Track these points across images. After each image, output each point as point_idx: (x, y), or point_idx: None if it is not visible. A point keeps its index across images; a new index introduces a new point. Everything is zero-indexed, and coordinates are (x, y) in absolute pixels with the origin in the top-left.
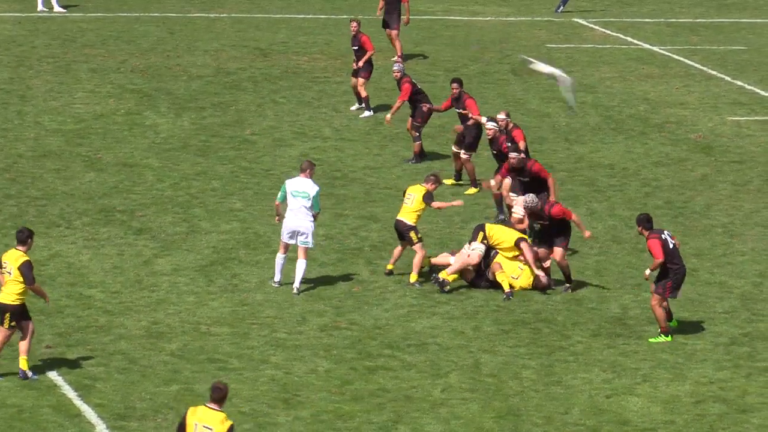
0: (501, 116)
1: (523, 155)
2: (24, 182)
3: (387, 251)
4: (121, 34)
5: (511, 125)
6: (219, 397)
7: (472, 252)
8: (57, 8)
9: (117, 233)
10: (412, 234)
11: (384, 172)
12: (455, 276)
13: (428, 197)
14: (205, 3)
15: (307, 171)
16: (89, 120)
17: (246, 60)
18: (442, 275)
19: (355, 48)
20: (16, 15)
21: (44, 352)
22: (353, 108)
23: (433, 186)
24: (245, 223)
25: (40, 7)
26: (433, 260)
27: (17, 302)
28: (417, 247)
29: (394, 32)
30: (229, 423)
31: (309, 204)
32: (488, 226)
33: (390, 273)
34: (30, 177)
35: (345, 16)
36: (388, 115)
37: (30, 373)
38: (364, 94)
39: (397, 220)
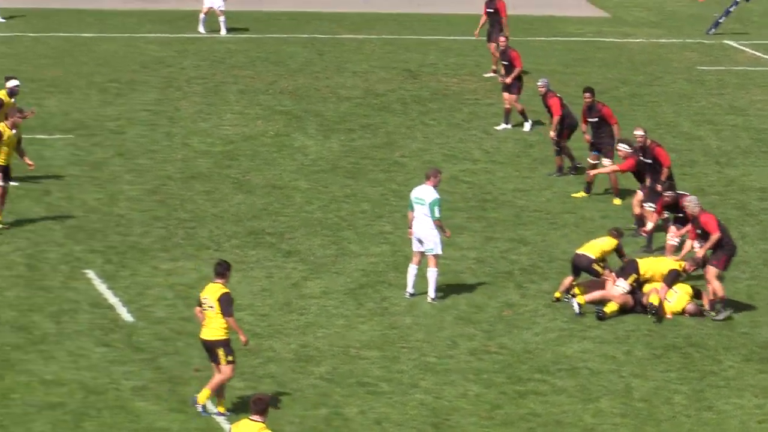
0: (639, 132)
1: (674, 194)
2: (173, 204)
3: (537, 274)
4: (270, 56)
5: (649, 142)
6: (261, 408)
7: (616, 288)
8: None
9: (266, 255)
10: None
11: (534, 194)
12: (614, 307)
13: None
14: (355, 24)
15: (432, 178)
16: (238, 141)
17: (395, 82)
18: (607, 309)
19: (505, 63)
20: (164, 36)
21: (193, 375)
22: (499, 128)
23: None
24: (395, 246)
25: None
26: (588, 297)
27: (226, 336)
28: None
29: (493, 45)
30: None
31: (427, 211)
32: (641, 264)
33: (557, 300)
34: (179, 199)
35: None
36: (552, 132)
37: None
38: (519, 108)
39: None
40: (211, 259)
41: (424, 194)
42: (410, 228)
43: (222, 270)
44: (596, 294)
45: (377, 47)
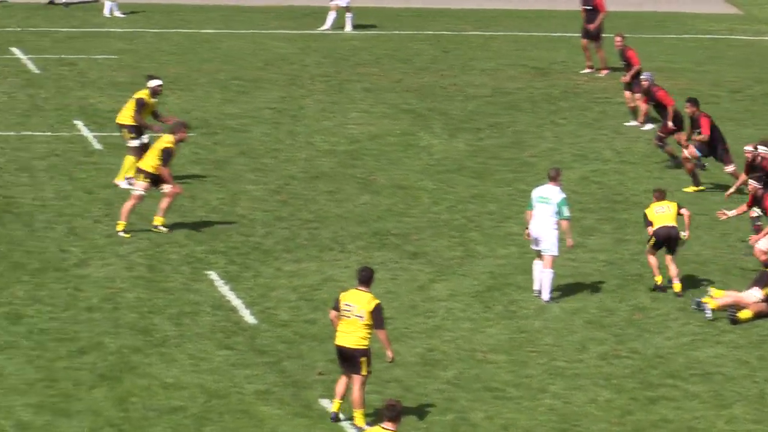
0: (747, 148)
1: None
2: (296, 204)
3: (668, 277)
4: (395, 53)
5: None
6: (394, 415)
7: (748, 295)
8: (117, 13)
9: (391, 257)
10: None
11: (668, 194)
12: (748, 314)
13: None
14: (481, 21)
15: (557, 178)
16: (363, 140)
17: (524, 79)
18: (742, 316)
19: (624, 63)
20: (288, 32)
21: (317, 378)
22: (629, 124)
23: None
24: (523, 247)
25: (105, 13)
26: (720, 302)
27: (369, 346)
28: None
29: (585, 42)
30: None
31: (552, 211)
32: None
33: (662, 289)
34: (302, 199)
35: (627, 36)
36: (670, 123)
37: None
38: (643, 108)
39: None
40: (335, 260)
41: (550, 194)
42: (527, 228)
43: (368, 277)
44: (728, 299)
45: (504, 44)
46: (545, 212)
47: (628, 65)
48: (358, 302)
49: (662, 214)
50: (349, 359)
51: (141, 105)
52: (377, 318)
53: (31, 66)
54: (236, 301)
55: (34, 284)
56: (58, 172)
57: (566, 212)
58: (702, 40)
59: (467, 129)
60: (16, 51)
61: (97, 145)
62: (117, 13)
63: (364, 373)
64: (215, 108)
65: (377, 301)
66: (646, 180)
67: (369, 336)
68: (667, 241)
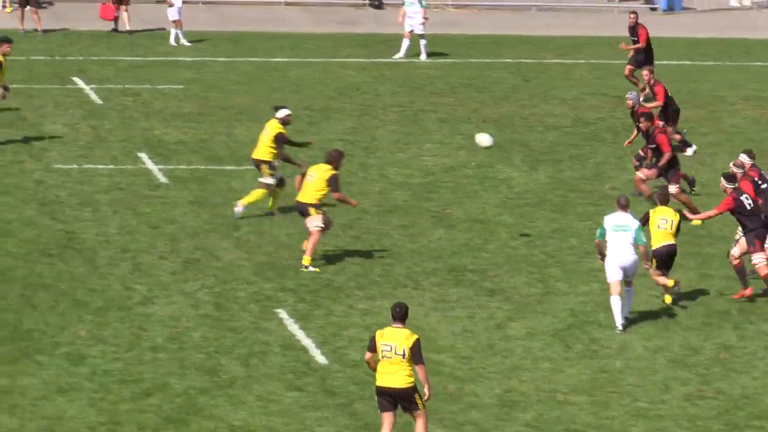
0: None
1: None
2: (368, 240)
3: (756, 314)
4: (472, 81)
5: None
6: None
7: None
8: (183, 42)
9: (468, 294)
10: None
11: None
12: None
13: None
14: (562, 48)
15: (628, 206)
16: (438, 173)
17: (605, 109)
18: None
19: (648, 96)
20: (360, 61)
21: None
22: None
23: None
24: (605, 284)
25: (171, 42)
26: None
27: (414, 383)
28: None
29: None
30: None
31: (632, 238)
32: None
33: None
34: (375, 234)
35: (711, 63)
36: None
37: None
38: (677, 137)
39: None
40: (410, 297)
41: (628, 221)
42: (599, 256)
43: (403, 313)
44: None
45: (586, 72)
46: (625, 240)
47: (653, 99)
48: (396, 340)
49: (662, 231)
50: (402, 399)
51: (282, 140)
52: (417, 354)
53: (93, 96)
54: (306, 341)
55: (96, 323)
56: (121, 207)
57: (644, 238)
58: None
59: (547, 161)
60: (78, 81)
61: (163, 179)
62: (183, 42)
63: (422, 407)
64: None
65: (416, 336)
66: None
67: (413, 371)
68: (668, 257)
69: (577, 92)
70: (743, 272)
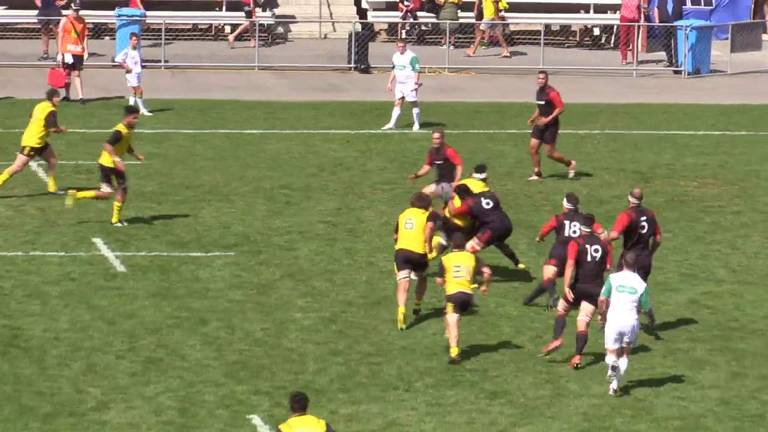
0: None
1: None
2: (354, 335)
3: None
4: (472, 155)
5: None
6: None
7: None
8: (144, 111)
9: (467, 396)
10: None
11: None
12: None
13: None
14: (574, 116)
15: (635, 264)
16: (432, 260)
17: (623, 186)
18: None
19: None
20: (344, 132)
21: None
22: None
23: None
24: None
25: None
26: None
27: None
28: None
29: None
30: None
31: (635, 300)
32: None
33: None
34: (361, 329)
35: (743, 133)
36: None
37: None
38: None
39: None
40: (401, 401)
41: (634, 282)
42: (600, 317)
43: (302, 405)
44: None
45: (601, 144)
46: (628, 302)
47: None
48: (311, 426)
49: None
50: None
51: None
52: None
53: (41, 174)
54: None
55: (45, 431)
56: (73, 299)
57: (650, 302)
58: None
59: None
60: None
61: (120, 267)
62: (144, 111)
63: None
64: (258, 222)
65: (323, 422)
66: None
67: None
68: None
69: (590, 167)
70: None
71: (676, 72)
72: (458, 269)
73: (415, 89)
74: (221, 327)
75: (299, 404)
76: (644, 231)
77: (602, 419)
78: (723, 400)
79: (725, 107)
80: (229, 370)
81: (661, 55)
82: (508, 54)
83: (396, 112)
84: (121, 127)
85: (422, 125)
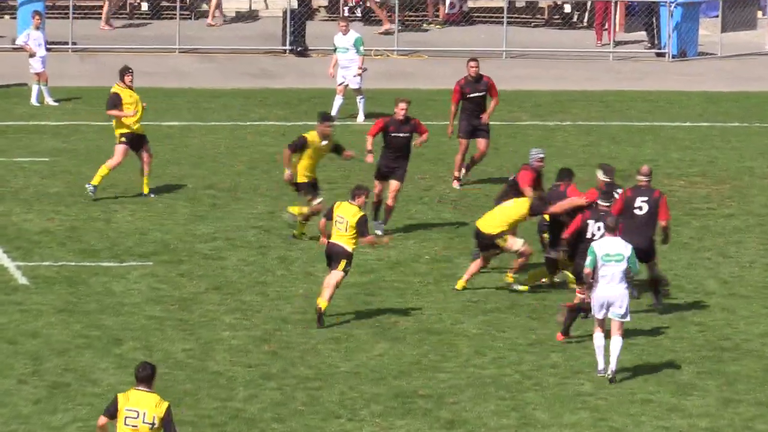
0: None
1: None
2: (290, 357)
3: None
4: (424, 150)
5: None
6: (145, 376)
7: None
8: (49, 101)
9: (419, 427)
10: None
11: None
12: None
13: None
14: (542, 106)
15: (616, 228)
16: (381, 269)
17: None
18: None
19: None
20: (278, 124)
21: None
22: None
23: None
24: (598, 412)
25: (33, 101)
26: None
27: None
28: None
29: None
30: (164, 404)
31: (623, 268)
32: None
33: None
34: (298, 349)
35: (735, 124)
36: None
37: None
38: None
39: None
40: (344, 431)
41: (621, 249)
42: (589, 284)
43: (146, 375)
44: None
45: (572, 136)
46: (616, 271)
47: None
48: (146, 406)
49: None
50: None
51: None
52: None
53: None
54: None
55: None
56: None
57: (638, 265)
58: None
59: None
60: None
61: (22, 279)
62: (49, 100)
63: None
64: (180, 227)
65: (166, 403)
66: (764, 319)
67: None
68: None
69: (560, 163)
70: None
71: (658, 55)
72: (341, 220)
73: (360, 74)
74: (138, 347)
75: (144, 374)
76: (641, 212)
77: None
78: (713, 429)
79: (715, 95)
80: None
81: (642, 35)
82: (390, 29)
83: (338, 100)
84: (310, 135)
85: (368, 116)
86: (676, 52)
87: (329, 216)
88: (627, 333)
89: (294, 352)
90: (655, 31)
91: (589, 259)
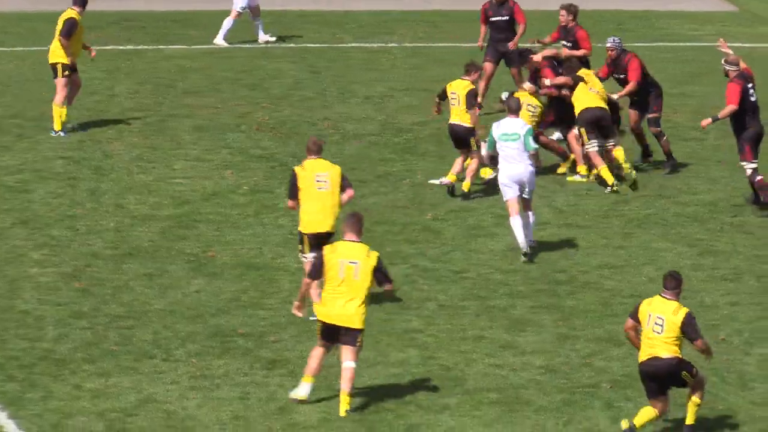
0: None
1: None
2: (101, 295)
3: (636, 389)
4: (240, 76)
5: None
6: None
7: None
8: None
9: (239, 367)
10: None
11: (629, 272)
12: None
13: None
14: (365, 28)
15: (518, 110)
16: (196, 201)
17: (425, 110)
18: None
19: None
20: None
21: None
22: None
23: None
24: (427, 349)
25: None
26: None
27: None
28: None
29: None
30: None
31: (520, 146)
32: None
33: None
34: (109, 286)
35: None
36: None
37: None
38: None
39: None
40: (158, 372)
41: (516, 127)
42: (490, 168)
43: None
44: None
45: (399, 60)
46: (515, 149)
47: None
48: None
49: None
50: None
51: None
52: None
53: None
54: None
55: None
56: None
57: (533, 143)
58: (680, 50)
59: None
60: None
61: None
62: None
63: None
64: None
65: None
66: (602, 250)
67: None
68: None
69: (385, 87)
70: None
71: None
72: (454, 96)
73: None
74: None
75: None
76: (754, 99)
77: (400, 391)
78: (549, 367)
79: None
80: None
81: None
82: None
83: (229, 23)
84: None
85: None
86: None
87: (442, 96)
88: (454, 269)
89: (105, 289)
90: None
91: (488, 142)
